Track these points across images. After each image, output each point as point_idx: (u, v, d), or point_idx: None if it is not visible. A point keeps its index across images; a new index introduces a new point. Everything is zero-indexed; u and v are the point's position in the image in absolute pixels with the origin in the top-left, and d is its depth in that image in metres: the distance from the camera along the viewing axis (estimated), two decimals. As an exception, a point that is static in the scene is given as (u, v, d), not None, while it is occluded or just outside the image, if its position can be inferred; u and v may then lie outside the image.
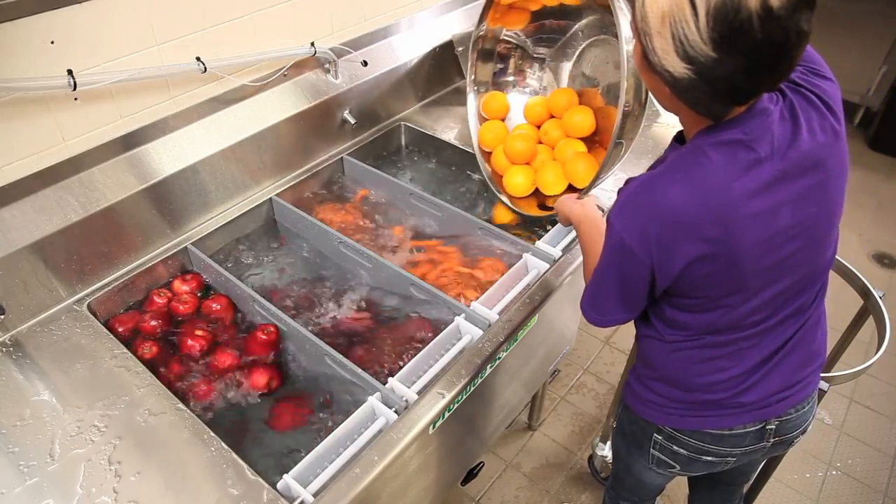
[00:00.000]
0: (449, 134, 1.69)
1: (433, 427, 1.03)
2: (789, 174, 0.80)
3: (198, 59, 1.25)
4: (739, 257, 0.81)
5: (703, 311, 0.89)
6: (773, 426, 1.01)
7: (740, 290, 0.86)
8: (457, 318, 1.13)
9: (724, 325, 0.90)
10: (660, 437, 1.07)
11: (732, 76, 0.70)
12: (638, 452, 1.14)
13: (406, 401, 1.00)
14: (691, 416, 1.00)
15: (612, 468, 1.32)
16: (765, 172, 0.79)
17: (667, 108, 0.85)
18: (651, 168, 0.89)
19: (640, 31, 0.74)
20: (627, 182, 0.86)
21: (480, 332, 1.11)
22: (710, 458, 1.05)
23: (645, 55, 0.75)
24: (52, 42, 1.05)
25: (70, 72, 1.07)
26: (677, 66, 0.71)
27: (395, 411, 0.98)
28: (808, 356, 0.98)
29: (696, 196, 0.78)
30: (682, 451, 1.05)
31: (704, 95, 0.74)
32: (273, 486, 0.89)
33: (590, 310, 0.97)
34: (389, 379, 1.02)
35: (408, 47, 1.72)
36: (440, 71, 1.83)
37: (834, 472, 1.91)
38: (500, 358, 1.15)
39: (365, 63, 1.59)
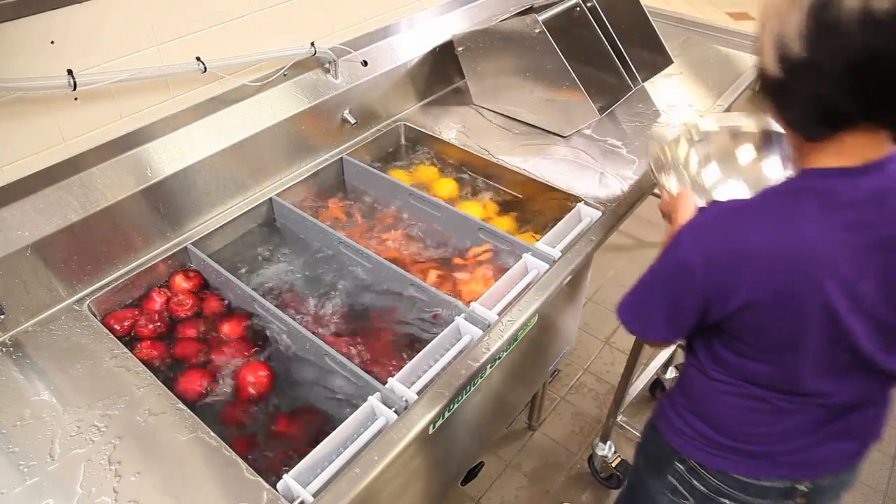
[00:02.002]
0: (449, 134, 1.69)
1: (433, 427, 1.03)
2: (892, 246, 0.71)
3: (198, 58, 1.25)
4: (803, 319, 0.74)
5: (752, 359, 0.84)
6: (805, 488, 0.93)
7: (796, 352, 0.79)
8: (457, 318, 1.13)
9: (772, 381, 0.84)
10: (681, 468, 1.01)
11: (817, 84, 0.62)
12: (656, 475, 1.08)
13: (406, 401, 1.00)
14: (720, 457, 0.95)
15: (628, 479, 1.27)
16: (865, 236, 0.70)
17: (774, 118, 0.78)
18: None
19: (758, 30, 0.69)
20: (712, 204, 0.81)
21: (480, 333, 1.11)
22: (726, 502, 0.98)
23: (756, 62, 0.72)
24: (52, 42, 1.05)
25: (70, 72, 1.07)
26: (770, 64, 0.66)
27: (395, 411, 0.98)
28: (861, 440, 0.92)
29: (779, 242, 0.71)
30: (701, 487, 0.99)
31: (792, 103, 0.68)
32: (273, 486, 0.89)
33: (631, 319, 0.90)
34: (389, 379, 1.02)
35: (408, 47, 1.72)
36: (440, 71, 1.83)
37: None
38: (499, 358, 1.15)
39: (365, 63, 1.59)
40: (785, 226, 0.71)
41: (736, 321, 0.79)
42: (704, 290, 0.78)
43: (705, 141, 1.27)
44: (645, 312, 0.89)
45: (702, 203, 0.99)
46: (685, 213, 0.98)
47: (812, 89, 0.63)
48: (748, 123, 1.22)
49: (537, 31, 1.57)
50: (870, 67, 0.58)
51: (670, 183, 1.20)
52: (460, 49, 1.76)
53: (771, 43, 0.65)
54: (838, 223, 0.70)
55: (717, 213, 0.77)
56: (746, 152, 1.26)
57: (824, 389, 0.83)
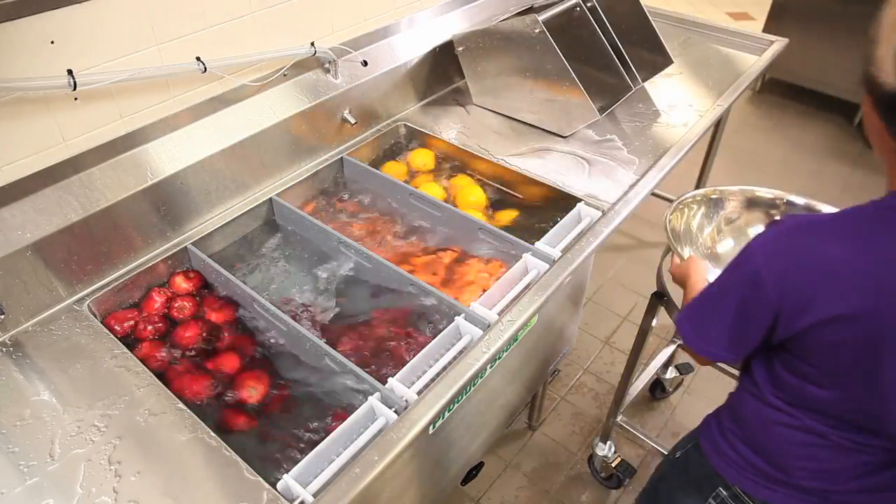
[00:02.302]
0: (449, 133, 1.69)
1: (433, 427, 1.03)
2: None
3: (198, 58, 1.25)
4: (881, 340, 0.70)
5: (815, 384, 0.79)
6: None
7: (868, 378, 0.75)
8: (457, 318, 1.13)
9: (836, 411, 0.80)
10: (725, 493, 0.97)
11: None
12: (695, 495, 1.04)
13: (406, 401, 1.00)
14: (767, 488, 0.92)
15: (652, 486, 1.20)
16: None
17: (878, 148, 0.72)
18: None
19: (872, 41, 0.65)
20: (787, 217, 0.78)
21: (480, 333, 1.11)
22: None
23: (865, 74, 0.66)
24: (52, 42, 1.05)
25: (70, 72, 1.07)
26: (890, 77, 0.61)
27: (395, 411, 0.98)
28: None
29: (861, 255, 0.68)
30: None
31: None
32: (273, 485, 0.89)
33: (692, 332, 0.87)
34: (389, 379, 1.02)
35: (408, 47, 1.72)
36: (440, 71, 1.83)
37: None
38: (499, 358, 1.15)
39: (365, 63, 1.59)
40: (869, 241, 0.68)
41: (806, 340, 0.76)
42: (776, 304, 0.74)
43: (719, 206, 1.38)
44: (707, 326, 0.85)
45: (712, 268, 1.01)
46: (697, 276, 1.04)
47: None
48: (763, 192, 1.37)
49: (537, 31, 1.57)
50: None
51: (684, 251, 1.27)
52: (460, 49, 1.76)
53: (892, 57, 0.60)
54: None
55: (792, 226, 0.74)
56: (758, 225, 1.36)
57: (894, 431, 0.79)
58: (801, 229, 0.73)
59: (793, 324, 0.75)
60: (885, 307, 0.68)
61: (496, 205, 1.55)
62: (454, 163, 1.66)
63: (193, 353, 1.16)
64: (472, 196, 1.53)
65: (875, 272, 0.68)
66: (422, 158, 1.65)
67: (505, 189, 1.59)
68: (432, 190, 1.53)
